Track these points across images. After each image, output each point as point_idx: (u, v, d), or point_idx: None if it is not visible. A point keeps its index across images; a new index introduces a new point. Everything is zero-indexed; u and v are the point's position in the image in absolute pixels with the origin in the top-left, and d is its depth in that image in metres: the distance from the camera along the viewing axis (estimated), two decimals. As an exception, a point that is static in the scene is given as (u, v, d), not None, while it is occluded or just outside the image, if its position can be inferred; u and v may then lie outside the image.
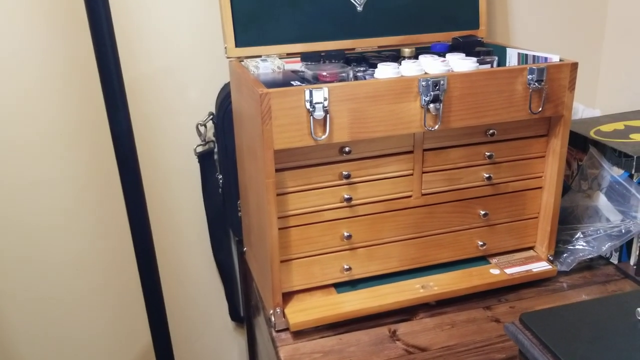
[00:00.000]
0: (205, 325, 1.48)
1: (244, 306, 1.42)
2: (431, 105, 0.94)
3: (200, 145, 1.28)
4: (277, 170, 0.93)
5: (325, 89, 0.88)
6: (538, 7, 1.45)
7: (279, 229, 0.96)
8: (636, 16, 1.41)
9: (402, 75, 0.97)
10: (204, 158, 1.28)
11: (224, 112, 1.19)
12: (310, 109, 0.89)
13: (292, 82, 0.96)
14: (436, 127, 0.96)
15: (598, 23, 1.51)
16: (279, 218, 0.96)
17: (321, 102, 0.89)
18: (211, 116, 1.26)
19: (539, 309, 0.72)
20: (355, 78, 1.02)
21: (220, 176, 1.27)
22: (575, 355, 0.60)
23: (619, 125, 1.26)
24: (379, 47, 1.19)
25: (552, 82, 1.00)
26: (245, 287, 1.36)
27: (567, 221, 1.21)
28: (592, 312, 0.68)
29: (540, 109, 1.00)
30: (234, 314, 1.45)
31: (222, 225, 1.34)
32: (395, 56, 1.13)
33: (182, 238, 1.38)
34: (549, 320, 0.66)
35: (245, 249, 1.25)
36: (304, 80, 0.99)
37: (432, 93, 0.93)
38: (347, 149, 0.96)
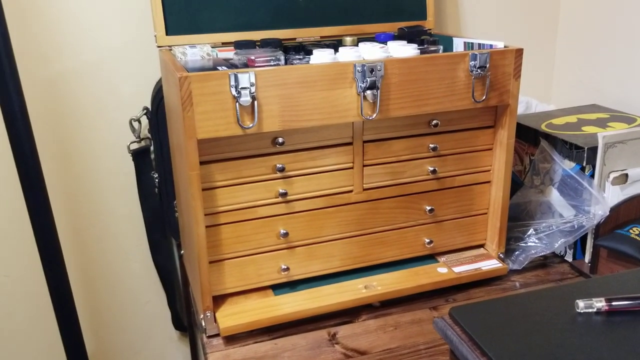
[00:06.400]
0: (146, 336, 1.39)
1: (186, 313, 1.34)
2: (368, 92, 0.89)
3: (135, 142, 1.21)
4: (203, 163, 0.87)
5: (252, 73, 0.82)
6: (490, 1, 1.41)
7: (208, 226, 0.90)
8: (589, 10, 1.38)
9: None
10: (139, 156, 1.21)
11: (157, 106, 1.12)
12: (236, 95, 0.82)
13: (218, 68, 0.90)
14: (374, 115, 0.90)
15: (551, 16, 1.47)
16: (207, 215, 0.89)
17: (247, 87, 0.82)
18: (145, 111, 1.19)
19: (470, 302, 0.66)
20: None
21: (156, 175, 1.20)
22: (507, 351, 0.54)
23: (572, 119, 1.21)
24: (321, 37, 1.14)
25: (496, 69, 0.95)
26: (186, 292, 1.29)
27: (520, 218, 1.16)
28: (529, 305, 0.62)
29: (484, 98, 0.95)
30: (177, 323, 1.37)
31: (161, 227, 1.27)
32: (337, 46, 1.08)
33: (119, 242, 1.29)
34: (481, 314, 0.60)
35: (182, 251, 1.18)
36: (232, 67, 0.93)
37: (368, 79, 0.87)
38: (280, 139, 0.90)
